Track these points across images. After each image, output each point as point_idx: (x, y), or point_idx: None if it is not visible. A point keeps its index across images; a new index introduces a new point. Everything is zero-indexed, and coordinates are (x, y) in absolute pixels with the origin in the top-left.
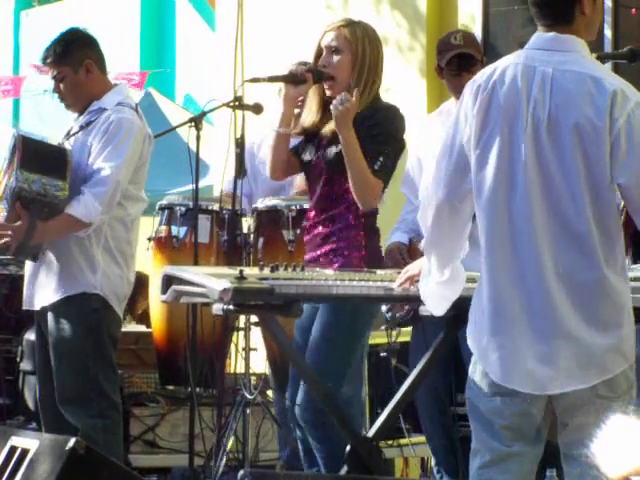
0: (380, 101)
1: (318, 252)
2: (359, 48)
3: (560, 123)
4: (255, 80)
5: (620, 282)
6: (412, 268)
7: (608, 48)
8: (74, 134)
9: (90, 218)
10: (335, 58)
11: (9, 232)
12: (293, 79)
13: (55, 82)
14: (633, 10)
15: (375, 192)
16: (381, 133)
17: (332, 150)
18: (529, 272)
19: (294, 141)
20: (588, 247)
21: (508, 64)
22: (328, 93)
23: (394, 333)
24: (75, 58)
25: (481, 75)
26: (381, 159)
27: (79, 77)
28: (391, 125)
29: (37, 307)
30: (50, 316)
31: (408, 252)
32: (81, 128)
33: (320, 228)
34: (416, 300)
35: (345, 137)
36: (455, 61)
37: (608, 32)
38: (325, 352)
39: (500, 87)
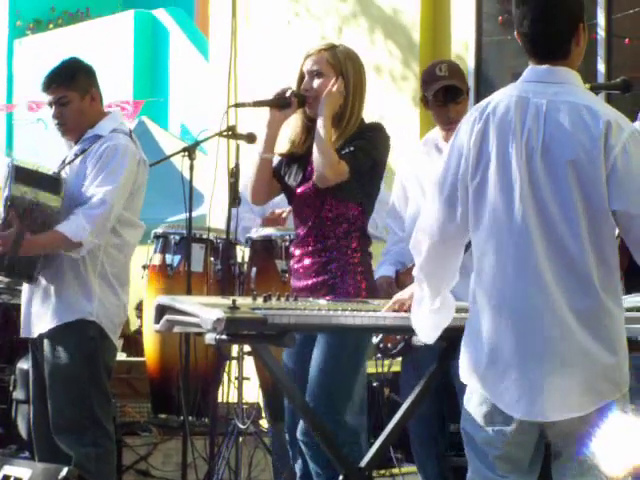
0: (364, 122)
1: (311, 281)
2: (343, 70)
3: (554, 153)
4: (240, 105)
5: (617, 310)
6: (402, 293)
7: (601, 79)
8: (69, 162)
9: (78, 237)
10: (316, 82)
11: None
12: (278, 103)
13: (57, 107)
14: (627, 40)
15: (334, 168)
16: (360, 139)
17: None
18: (528, 302)
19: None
20: (585, 274)
21: (502, 96)
22: (312, 115)
23: (386, 363)
24: (82, 85)
25: (476, 108)
26: (351, 149)
27: (84, 104)
28: (371, 137)
29: (34, 335)
30: (46, 344)
31: (396, 284)
32: (76, 156)
33: (315, 257)
34: (409, 330)
35: (324, 118)
36: (441, 93)
37: (601, 63)
38: (327, 382)
39: (494, 118)
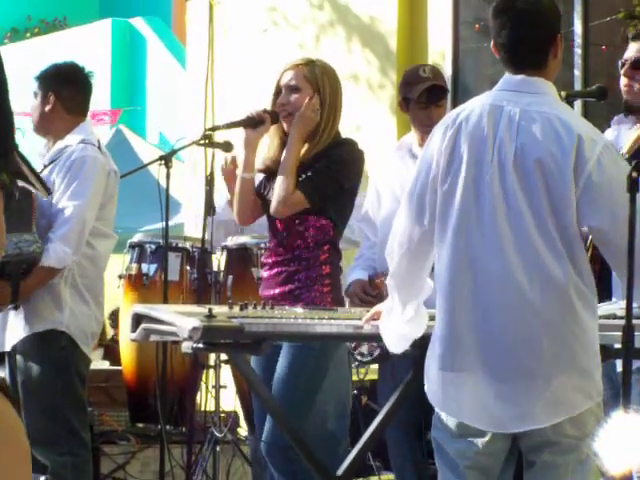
0: (339, 138)
1: (278, 290)
2: (319, 85)
3: (526, 161)
4: (215, 128)
5: (590, 319)
6: (381, 305)
7: (578, 86)
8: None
9: (63, 263)
10: (293, 96)
11: None
12: (251, 122)
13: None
14: (603, 47)
15: (286, 200)
16: (327, 157)
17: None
18: (494, 311)
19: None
20: (560, 284)
21: (476, 104)
22: (288, 130)
23: (362, 371)
24: (44, 85)
25: (449, 115)
26: (309, 174)
27: (42, 106)
28: (337, 157)
29: (7, 348)
30: (19, 356)
31: (371, 287)
32: (44, 167)
33: (284, 266)
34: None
35: (294, 139)
36: (425, 94)
37: (578, 70)
38: (288, 391)
39: (467, 125)
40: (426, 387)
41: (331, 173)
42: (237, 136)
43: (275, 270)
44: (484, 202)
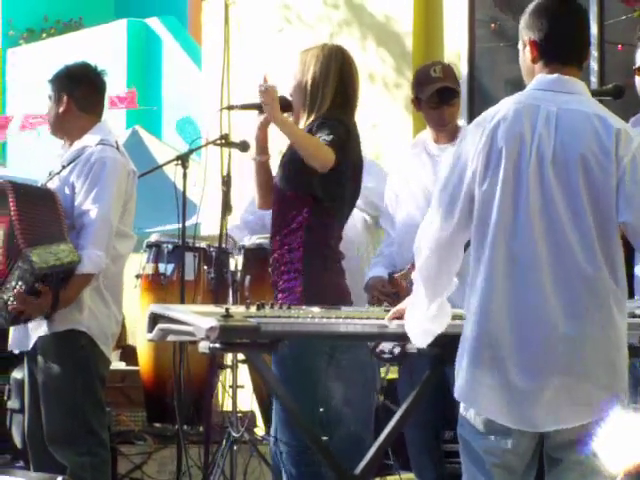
0: (332, 116)
1: (275, 277)
2: (304, 70)
3: (566, 159)
4: (230, 108)
5: (622, 321)
6: (402, 304)
7: (594, 86)
8: (57, 173)
9: (99, 268)
10: (292, 84)
11: (32, 307)
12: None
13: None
14: (619, 46)
15: (319, 156)
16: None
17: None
18: (528, 309)
19: None
20: (596, 285)
21: (511, 104)
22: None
23: (382, 370)
24: (56, 87)
25: (484, 115)
26: (330, 131)
27: (56, 108)
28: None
29: (29, 347)
30: (39, 356)
31: (390, 284)
32: (63, 167)
33: (276, 253)
34: (401, 338)
35: (276, 116)
36: (435, 95)
37: (594, 69)
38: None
39: (504, 124)
40: (456, 383)
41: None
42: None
43: (273, 256)
44: (521, 202)
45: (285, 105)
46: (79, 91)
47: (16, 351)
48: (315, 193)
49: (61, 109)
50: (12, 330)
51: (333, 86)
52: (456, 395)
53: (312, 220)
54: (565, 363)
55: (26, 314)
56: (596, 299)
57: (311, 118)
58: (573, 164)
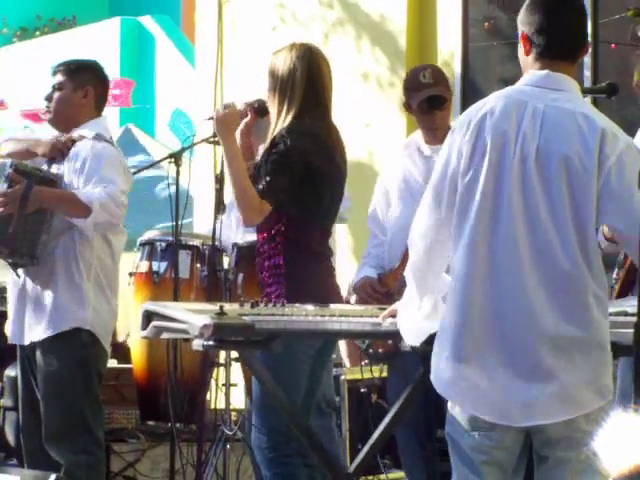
0: (298, 124)
1: (261, 281)
2: (273, 72)
3: (549, 157)
4: (212, 118)
5: (603, 319)
6: (397, 303)
7: (587, 83)
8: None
9: (89, 201)
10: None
11: (4, 199)
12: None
13: (52, 91)
14: (613, 45)
15: (254, 210)
16: (276, 153)
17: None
18: (507, 305)
19: None
20: (576, 283)
21: (499, 98)
22: None
23: (375, 369)
24: (80, 78)
25: (472, 108)
26: (267, 179)
27: (74, 96)
28: (286, 144)
29: (26, 342)
30: (39, 352)
31: (379, 285)
32: (62, 155)
33: (260, 258)
34: (391, 336)
35: (223, 145)
36: (425, 102)
37: (587, 67)
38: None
39: (491, 118)
40: (433, 378)
41: (279, 168)
42: None
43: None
44: (502, 197)
45: (261, 111)
46: (101, 89)
47: (15, 343)
48: (289, 212)
49: (82, 100)
50: (11, 324)
51: (302, 86)
52: (439, 390)
53: (290, 228)
54: (546, 359)
55: (6, 210)
56: (576, 296)
57: (288, 119)
58: (555, 163)
